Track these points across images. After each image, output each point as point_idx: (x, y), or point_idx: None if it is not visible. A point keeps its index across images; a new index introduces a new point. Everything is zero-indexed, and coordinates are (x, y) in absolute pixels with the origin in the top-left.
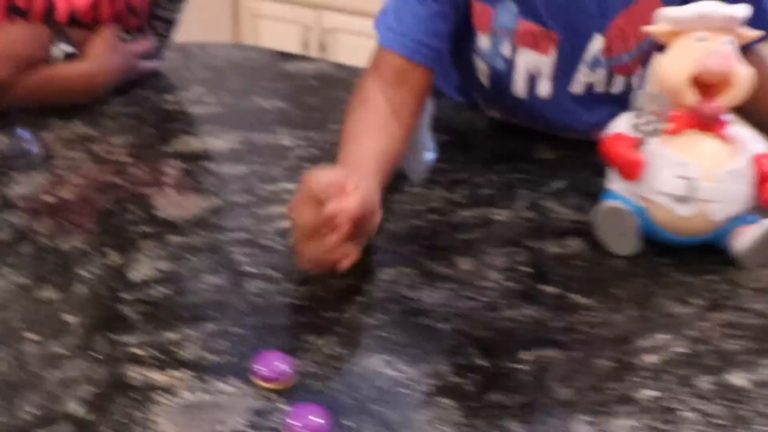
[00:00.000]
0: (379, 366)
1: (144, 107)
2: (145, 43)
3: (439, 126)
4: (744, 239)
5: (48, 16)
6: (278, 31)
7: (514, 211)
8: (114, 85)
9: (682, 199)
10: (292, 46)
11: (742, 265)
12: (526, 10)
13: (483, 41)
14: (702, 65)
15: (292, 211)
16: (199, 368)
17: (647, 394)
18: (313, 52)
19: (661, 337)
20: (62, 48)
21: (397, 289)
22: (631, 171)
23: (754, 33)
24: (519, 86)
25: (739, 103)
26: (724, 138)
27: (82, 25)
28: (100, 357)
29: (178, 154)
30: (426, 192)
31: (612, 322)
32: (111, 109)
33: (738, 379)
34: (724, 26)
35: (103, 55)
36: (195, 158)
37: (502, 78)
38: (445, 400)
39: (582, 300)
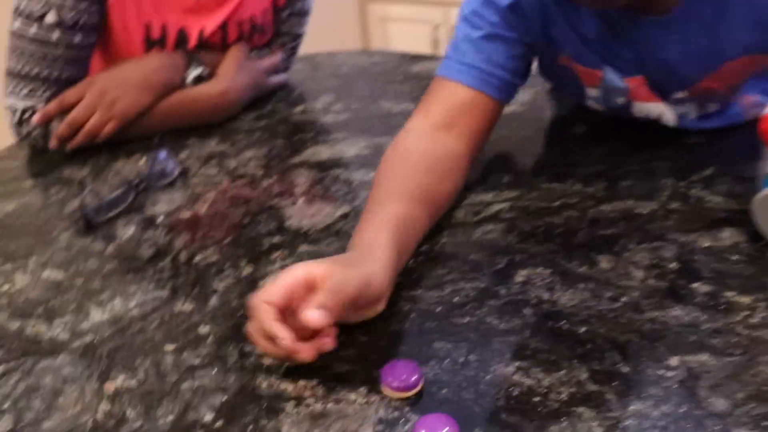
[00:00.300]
0: (511, 373)
1: (274, 120)
2: (272, 59)
3: (568, 117)
4: None
5: (180, 44)
6: (407, 33)
7: (659, 202)
8: (245, 102)
9: None
10: (423, 47)
11: None
12: (629, 70)
13: (592, 92)
14: None
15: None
16: (327, 377)
17: None
18: (444, 51)
19: None
20: (195, 71)
21: (531, 291)
22: None
23: None
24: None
25: None
26: None
27: (212, 47)
28: (232, 367)
29: (308, 164)
30: (560, 187)
31: None
32: (244, 125)
33: None
34: None
35: (233, 74)
36: (325, 167)
37: (619, 111)
38: (583, 410)
39: (739, 298)
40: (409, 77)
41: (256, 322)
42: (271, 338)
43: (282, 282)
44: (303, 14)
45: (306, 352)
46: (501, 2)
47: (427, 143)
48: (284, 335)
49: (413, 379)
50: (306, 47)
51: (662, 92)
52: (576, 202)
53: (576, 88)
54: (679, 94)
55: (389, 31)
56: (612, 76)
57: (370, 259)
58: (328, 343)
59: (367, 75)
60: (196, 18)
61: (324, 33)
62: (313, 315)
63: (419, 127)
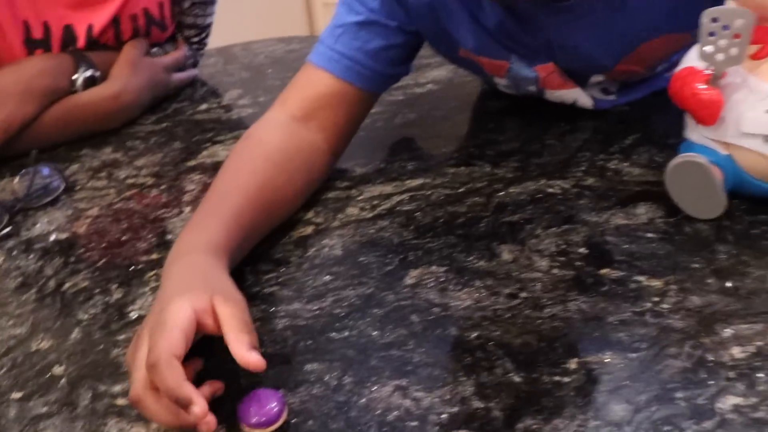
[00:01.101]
0: (388, 394)
1: (175, 121)
2: (175, 55)
3: (486, 93)
4: None
5: (68, 43)
6: None
7: (573, 179)
8: (145, 104)
9: None
10: None
11: None
12: (539, 58)
13: (501, 81)
14: None
15: None
16: None
17: (732, 402)
18: None
19: (755, 322)
20: (85, 74)
21: (421, 295)
22: (706, 113)
23: None
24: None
25: None
26: None
27: (104, 46)
28: (81, 412)
29: (202, 167)
30: (468, 171)
31: (690, 308)
32: (142, 129)
33: None
34: None
35: (128, 74)
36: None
37: (533, 96)
38: None
39: (651, 282)
40: None
41: (163, 385)
42: (175, 406)
43: (179, 327)
44: (207, 3)
45: (213, 422)
46: None
47: (282, 136)
48: (201, 402)
49: (274, 411)
50: (249, 35)
51: (577, 78)
52: (482, 186)
53: (485, 76)
54: (596, 78)
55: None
56: (519, 66)
57: (221, 270)
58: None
59: (281, 64)
60: (82, 13)
61: (268, 20)
62: (256, 358)
63: (276, 118)
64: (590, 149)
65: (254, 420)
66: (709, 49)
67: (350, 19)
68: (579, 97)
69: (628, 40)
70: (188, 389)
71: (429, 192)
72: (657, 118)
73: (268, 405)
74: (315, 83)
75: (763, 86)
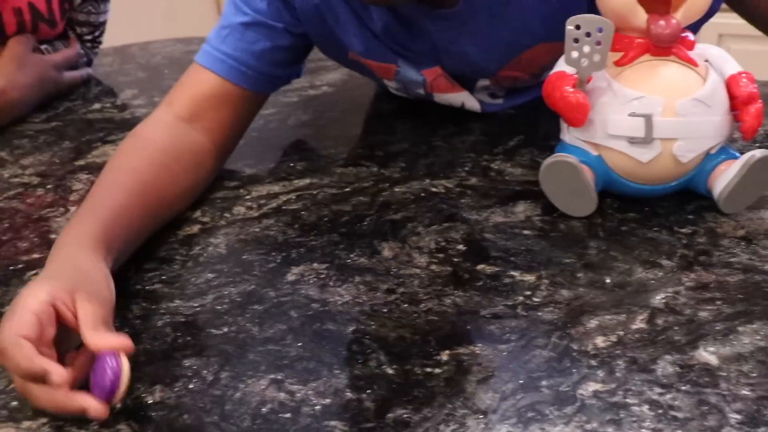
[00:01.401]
0: (263, 388)
1: (66, 120)
2: (67, 53)
3: (379, 95)
4: (723, 178)
5: None
6: None
7: (456, 179)
8: (33, 101)
9: (640, 141)
10: None
11: (723, 210)
12: (426, 62)
13: (391, 83)
14: None
15: None
16: (55, 420)
17: (592, 388)
18: None
19: (618, 313)
20: None
21: (302, 291)
22: (574, 116)
23: None
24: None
25: (696, 18)
26: (686, 61)
27: None
28: None
29: (90, 167)
30: (355, 171)
31: (559, 301)
32: (30, 128)
33: (708, 355)
34: None
35: (12, 70)
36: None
37: (423, 99)
38: (336, 423)
39: (525, 277)
40: None
41: (15, 366)
42: (41, 380)
43: (29, 309)
44: (100, 1)
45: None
46: None
47: (167, 136)
48: (57, 370)
49: (108, 383)
50: (160, 34)
51: (464, 82)
52: (368, 186)
53: (376, 79)
54: (483, 83)
55: None
56: (407, 70)
57: (94, 265)
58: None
59: (179, 65)
60: None
61: (178, 20)
62: (111, 338)
63: (162, 117)
64: (475, 150)
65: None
66: (574, 54)
67: (237, 20)
68: (466, 100)
69: (510, 47)
70: (40, 362)
71: (316, 191)
72: (541, 120)
73: (103, 377)
74: (201, 83)
75: (626, 91)
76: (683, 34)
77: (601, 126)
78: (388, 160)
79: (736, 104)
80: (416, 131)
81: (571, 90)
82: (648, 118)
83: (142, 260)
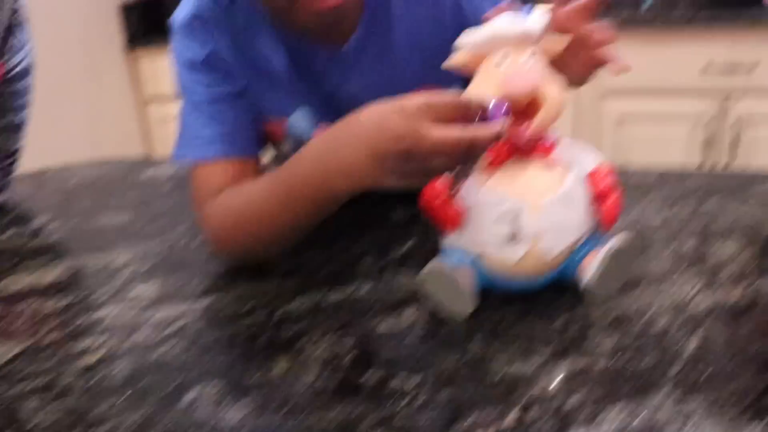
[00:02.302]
0: None
1: None
2: None
3: None
4: (589, 269)
5: None
6: None
7: (352, 287)
8: None
9: (509, 241)
10: None
11: (591, 298)
12: (324, 112)
13: (285, 147)
14: (502, 89)
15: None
16: None
17: None
18: None
19: (494, 408)
20: None
21: (192, 416)
22: (449, 223)
23: (561, 40)
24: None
25: (553, 121)
26: (550, 162)
27: None
28: None
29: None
30: (255, 286)
31: (436, 403)
32: None
33: None
34: (523, 42)
35: None
36: (16, 298)
37: None
38: None
39: (406, 383)
40: (136, 185)
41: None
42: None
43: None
44: (15, 129)
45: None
46: (197, 58)
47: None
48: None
49: None
50: (86, 154)
51: None
52: (268, 301)
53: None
54: None
55: (171, 131)
56: (298, 121)
57: None
58: None
59: (93, 187)
60: None
61: (104, 139)
62: None
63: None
64: (371, 256)
65: None
66: None
67: (197, 105)
68: None
69: (391, 89)
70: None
71: (217, 310)
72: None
73: None
74: (214, 175)
75: (493, 195)
76: (546, 136)
77: (474, 230)
78: (288, 271)
79: (595, 198)
80: (315, 242)
81: (442, 197)
82: (514, 219)
83: (42, 390)
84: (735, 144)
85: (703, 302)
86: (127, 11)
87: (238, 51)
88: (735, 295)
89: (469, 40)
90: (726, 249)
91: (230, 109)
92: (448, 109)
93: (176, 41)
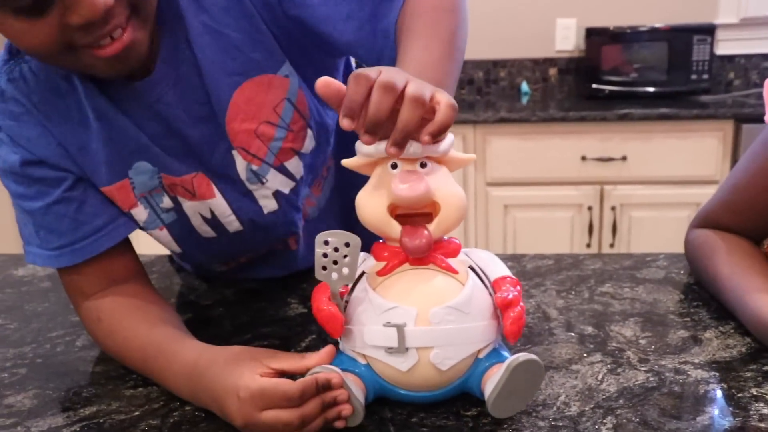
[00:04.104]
0: None
1: None
2: None
3: (181, 304)
4: (490, 383)
5: None
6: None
7: None
8: None
9: (396, 350)
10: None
11: (494, 415)
12: (163, 166)
13: (140, 214)
14: (393, 194)
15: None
16: None
17: None
18: None
19: None
20: None
21: None
22: (330, 327)
23: (464, 157)
24: (204, 230)
25: (452, 228)
26: (445, 269)
27: None
28: None
29: None
30: (145, 392)
31: None
32: None
33: None
34: (416, 151)
35: None
36: None
37: (182, 228)
38: None
39: None
40: (9, 283)
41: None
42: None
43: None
44: None
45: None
46: (13, 165)
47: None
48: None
49: None
50: None
51: (223, 168)
52: (159, 407)
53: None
54: (239, 161)
55: None
56: (142, 179)
57: None
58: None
59: None
60: None
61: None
62: None
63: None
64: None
65: None
66: (323, 269)
67: (35, 213)
68: (217, 208)
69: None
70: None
71: (103, 419)
72: None
73: None
74: (79, 280)
75: (381, 301)
76: (445, 242)
77: (360, 336)
78: None
79: (500, 307)
80: (213, 339)
81: (325, 302)
82: (400, 328)
83: None
84: (614, 227)
85: (611, 385)
86: None
87: (48, 135)
88: (640, 377)
89: (362, 147)
90: (626, 331)
91: (65, 213)
92: (282, 399)
93: None
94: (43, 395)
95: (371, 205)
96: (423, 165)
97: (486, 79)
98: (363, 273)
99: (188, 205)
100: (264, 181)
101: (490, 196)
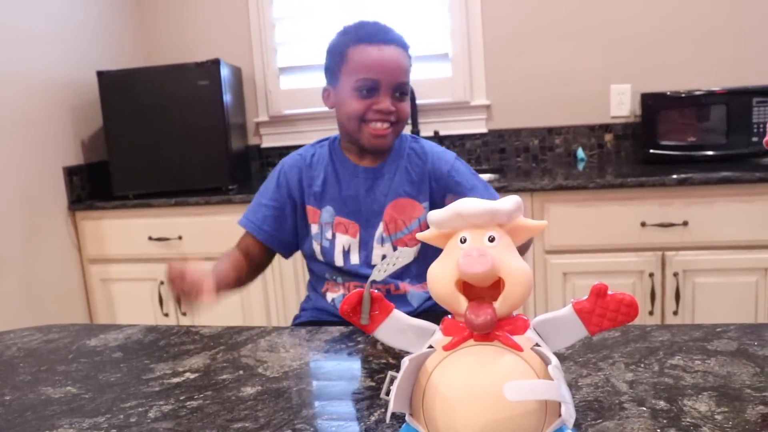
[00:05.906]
0: None
1: None
2: None
3: (240, 378)
4: None
5: None
6: (132, 291)
7: None
8: None
9: None
10: (148, 305)
11: None
12: (339, 211)
13: (314, 228)
14: (459, 270)
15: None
16: None
17: None
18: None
19: None
20: None
21: None
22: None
23: (535, 223)
24: (337, 258)
25: (519, 303)
26: (510, 346)
27: None
28: None
29: None
30: None
31: None
32: None
33: None
34: (488, 222)
35: None
36: None
37: (327, 252)
38: None
39: None
40: (83, 353)
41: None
42: None
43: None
44: None
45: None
46: (283, 166)
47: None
48: None
49: None
50: (29, 321)
51: (369, 229)
52: None
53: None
54: (380, 229)
55: (113, 291)
56: (326, 216)
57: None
58: None
59: (35, 356)
60: None
61: (46, 301)
62: None
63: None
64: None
65: None
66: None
67: (261, 202)
68: (353, 244)
69: (386, 195)
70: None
71: None
72: None
73: None
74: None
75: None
76: (516, 316)
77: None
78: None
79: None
80: (277, 415)
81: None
82: None
83: None
84: (677, 294)
85: None
86: (71, 173)
87: (302, 178)
88: None
89: (434, 217)
90: (700, 406)
91: (272, 214)
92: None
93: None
94: None
95: (440, 279)
96: (491, 239)
97: (541, 147)
98: (431, 346)
99: (339, 239)
100: (386, 245)
101: (548, 263)
